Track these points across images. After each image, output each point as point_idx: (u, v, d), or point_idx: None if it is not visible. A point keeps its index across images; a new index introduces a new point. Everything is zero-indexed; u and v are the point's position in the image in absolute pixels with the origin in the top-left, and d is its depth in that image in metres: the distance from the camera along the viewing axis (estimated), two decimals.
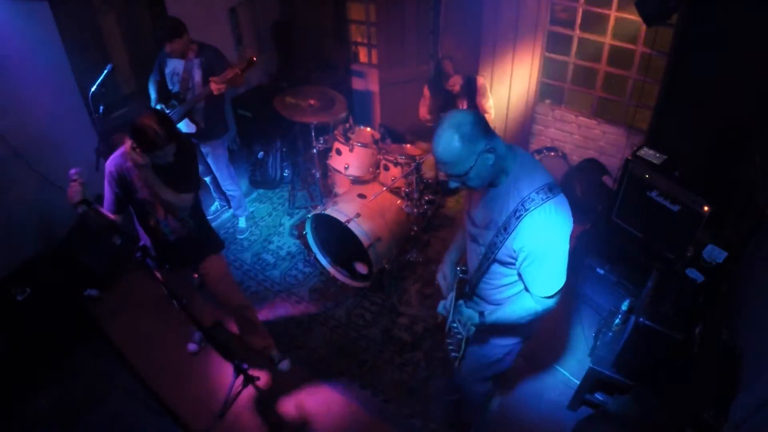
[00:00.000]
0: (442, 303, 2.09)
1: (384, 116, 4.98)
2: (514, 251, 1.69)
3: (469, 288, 1.97)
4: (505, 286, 1.86)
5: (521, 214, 1.62)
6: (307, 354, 3.20)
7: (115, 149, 2.37)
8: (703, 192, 2.87)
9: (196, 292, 3.11)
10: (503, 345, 2.08)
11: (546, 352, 3.07)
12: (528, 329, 2.02)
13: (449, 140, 1.56)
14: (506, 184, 1.68)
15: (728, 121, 3.10)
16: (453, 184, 1.69)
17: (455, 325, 1.93)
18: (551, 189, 1.64)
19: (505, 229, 1.67)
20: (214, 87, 3.13)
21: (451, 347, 2.04)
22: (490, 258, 1.77)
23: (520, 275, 1.77)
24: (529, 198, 1.62)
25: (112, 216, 2.36)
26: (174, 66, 3.40)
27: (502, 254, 1.73)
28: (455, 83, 3.82)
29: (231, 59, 3.72)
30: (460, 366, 2.05)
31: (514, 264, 1.75)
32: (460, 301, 1.94)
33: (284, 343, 3.21)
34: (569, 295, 3.32)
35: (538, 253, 1.65)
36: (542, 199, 1.61)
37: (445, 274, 2.12)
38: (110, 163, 2.31)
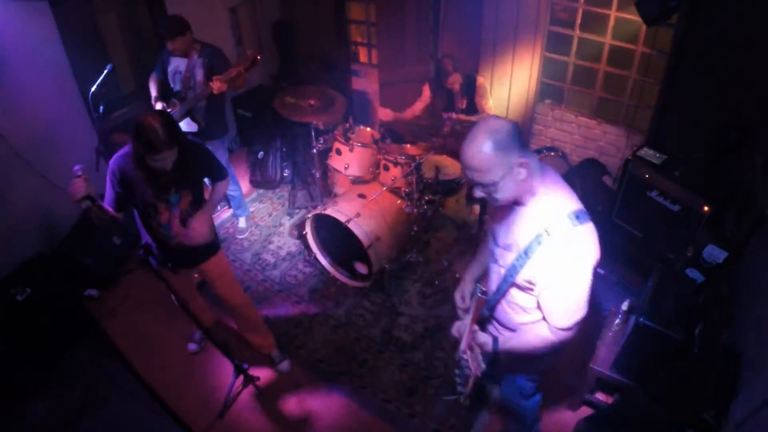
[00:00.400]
0: (456, 324, 2.01)
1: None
2: (533, 277, 1.61)
3: (488, 310, 1.89)
4: (523, 310, 1.77)
5: (543, 240, 1.54)
6: (307, 354, 3.20)
7: (115, 149, 2.37)
8: (703, 192, 2.88)
9: (197, 291, 3.11)
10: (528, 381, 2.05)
11: None
12: (545, 362, 1.94)
13: (482, 145, 1.47)
14: (532, 205, 1.60)
15: (728, 122, 3.11)
16: (478, 194, 1.59)
17: (465, 357, 1.80)
18: (578, 217, 1.55)
19: (526, 254, 1.58)
20: (216, 85, 3.12)
21: (459, 380, 1.91)
22: (509, 281, 1.69)
23: (538, 303, 1.69)
24: (554, 224, 1.53)
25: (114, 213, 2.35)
26: (177, 64, 3.40)
27: (521, 278, 1.65)
28: (455, 81, 3.82)
29: (232, 59, 3.73)
30: (466, 402, 1.92)
31: (532, 290, 1.67)
32: (476, 326, 1.84)
33: (284, 343, 3.21)
34: None
35: (556, 283, 1.57)
36: (567, 227, 1.53)
37: (464, 295, 2.02)
38: (113, 163, 2.29)
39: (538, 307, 1.69)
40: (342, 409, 2.89)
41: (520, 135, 1.52)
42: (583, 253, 1.55)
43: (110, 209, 2.32)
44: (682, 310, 2.41)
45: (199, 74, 3.37)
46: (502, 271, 1.72)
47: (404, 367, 3.10)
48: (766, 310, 2.11)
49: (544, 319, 1.69)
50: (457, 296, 2.05)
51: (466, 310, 2.00)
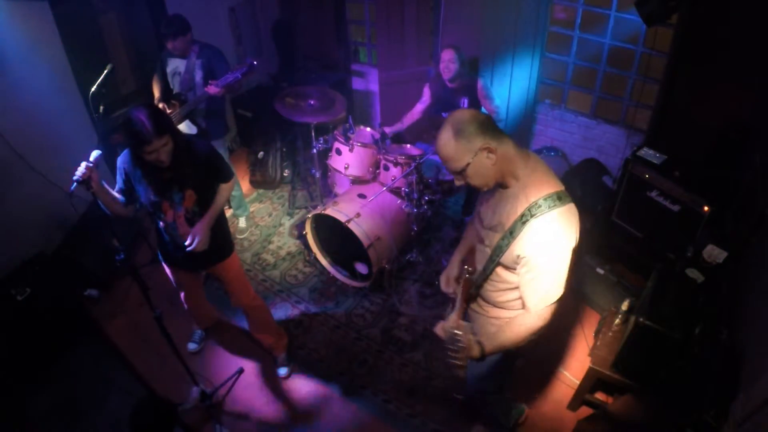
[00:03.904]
0: (440, 324, 1.92)
1: (384, 116, 4.98)
2: (517, 257, 1.68)
3: (475, 288, 1.95)
4: (506, 290, 1.85)
5: (527, 220, 1.62)
6: (307, 354, 3.21)
7: (115, 149, 2.37)
8: (703, 192, 2.88)
9: (203, 289, 3.11)
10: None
11: (546, 352, 3.07)
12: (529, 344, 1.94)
13: (446, 136, 1.60)
14: (516, 188, 1.68)
15: (728, 121, 3.10)
16: (458, 182, 1.71)
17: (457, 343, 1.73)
18: (560, 198, 1.63)
19: (511, 233, 1.66)
20: (212, 90, 3.10)
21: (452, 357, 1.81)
22: (495, 261, 1.76)
23: (520, 289, 1.74)
24: (536, 204, 1.61)
25: (120, 203, 2.33)
26: (175, 65, 3.40)
27: (506, 258, 1.72)
28: (444, 59, 3.69)
29: (231, 59, 3.72)
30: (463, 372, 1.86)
31: (515, 269, 1.74)
32: (467, 325, 1.79)
33: None
34: (569, 295, 3.31)
35: (538, 263, 1.64)
36: (549, 207, 1.60)
37: (448, 278, 2.07)
38: (119, 160, 2.29)
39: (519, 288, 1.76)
40: (342, 409, 2.89)
41: (484, 123, 1.61)
42: (564, 232, 1.62)
43: (120, 197, 2.33)
44: (682, 310, 2.41)
45: (199, 75, 3.37)
46: (488, 251, 1.79)
47: (404, 367, 3.10)
48: (766, 310, 2.11)
49: (522, 304, 1.75)
50: (442, 280, 2.10)
51: (453, 295, 2.02)
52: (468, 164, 1.61)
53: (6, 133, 3.20)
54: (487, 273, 1.83)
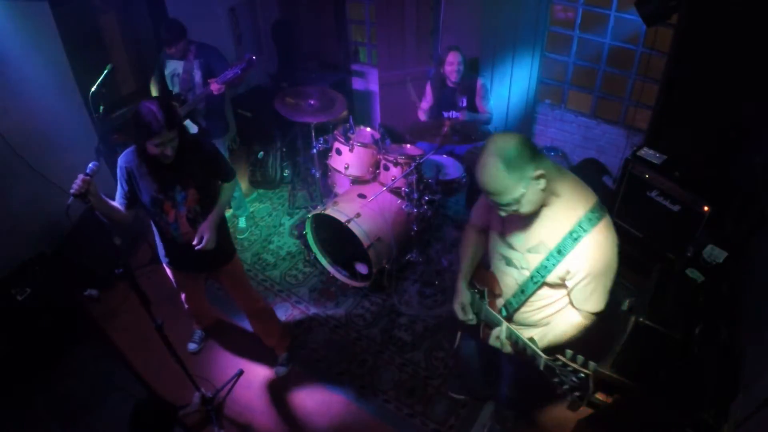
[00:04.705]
0: (501, 333, 1.82)
1: (384, 116, 4.98)
2: (569, 273, 1.63)
3: (508, 312, 1.87)
4: (545, 306, 1.81)
5: (579, 236, 1.56)
6: (307, 354, 3.20)
7: (115, 149, 2.36)
8: (703, 192, 2.88)
9: (203, 290, 3.10)
10: None
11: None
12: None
13: (494, 169, 1.47)
14: (558, 204, 1.61)
15: (728, 121, 3.10)
16: (503, 214, 1.60)
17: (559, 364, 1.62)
18: (601, 207, 1.60)
19: (560, 252, 1.60)
20: (215, 87, 3.13)
21: (567, 386, 1.65)
22: (538, 282, 1.70)
23: (569, 294, 1.70)
24: (585, 219, 1.56)
25: (120, 211, 2.32)
26: (174, 67, 3.41)
27: (553, 277, 1.66)
28: (452, 62, 3.71)
29: (231, 59, 3.71)
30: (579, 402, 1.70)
31: (563, 285, 1.69)
32: (519, 335, 1.74)
33: None
34: None
35: (597, 273, 1.60)
36: (597, 218, 1.57)
37: (464, 307, 1.99)
38: (120, 159, 2.27)
39: (569, 296, 1.72)
40: (342, 409, 2.89)
41: (530, 146, 1.51)
42: (614, 240, 1.60)
43: (120, 207, 2.31)
44: (682, 310, 2.41)
45: (198, 76, 3.38)
46: (526, 273, 1.72)
47: (404, 367, 3.10)
48: (766, 310, 2.11)
49: (572, 305, 1.72)
50: (458, 309, 2.01)
51: (483, 314, 1.95)
52: (522, 194, 1.50)
53: (6, 133, 3.20)
54: (527, 294, 1.76)
